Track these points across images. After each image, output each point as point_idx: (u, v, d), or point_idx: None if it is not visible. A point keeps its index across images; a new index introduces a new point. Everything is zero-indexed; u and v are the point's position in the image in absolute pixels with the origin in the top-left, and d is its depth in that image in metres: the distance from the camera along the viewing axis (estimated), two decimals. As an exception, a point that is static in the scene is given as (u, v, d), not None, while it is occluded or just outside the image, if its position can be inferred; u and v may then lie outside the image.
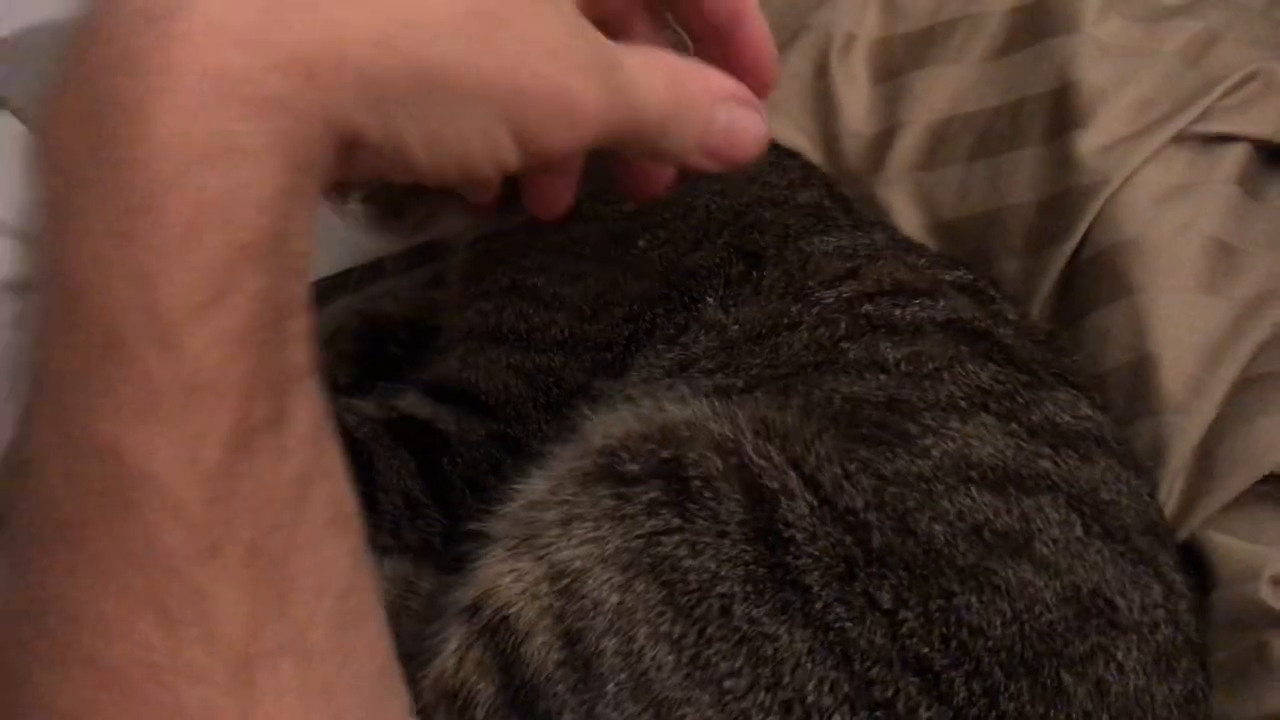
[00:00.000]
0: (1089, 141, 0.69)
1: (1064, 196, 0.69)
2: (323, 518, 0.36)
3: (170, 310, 0.32)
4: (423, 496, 0.64)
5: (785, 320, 0.62)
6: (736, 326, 0.63)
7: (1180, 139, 0.70)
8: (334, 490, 0.37)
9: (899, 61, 0.80)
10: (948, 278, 0.65)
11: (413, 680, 0.53)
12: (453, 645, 0.52)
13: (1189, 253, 0.66)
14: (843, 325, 0.61)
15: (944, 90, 0.78)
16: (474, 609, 0.52)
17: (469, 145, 0.36)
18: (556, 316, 0.67)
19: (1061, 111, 0.71)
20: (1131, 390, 0.64)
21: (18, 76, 1.01)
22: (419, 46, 0.34)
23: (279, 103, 0.33)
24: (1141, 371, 0.64)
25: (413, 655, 0.57)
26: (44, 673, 0.33)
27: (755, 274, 0.65)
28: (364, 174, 0.37)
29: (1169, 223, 0.66)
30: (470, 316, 0.69)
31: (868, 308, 0.61)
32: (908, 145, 0.77)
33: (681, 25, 0.50)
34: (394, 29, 0.34)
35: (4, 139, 0.95)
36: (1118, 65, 0.72)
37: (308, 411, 0.35)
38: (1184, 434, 0.62)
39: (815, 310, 0.62)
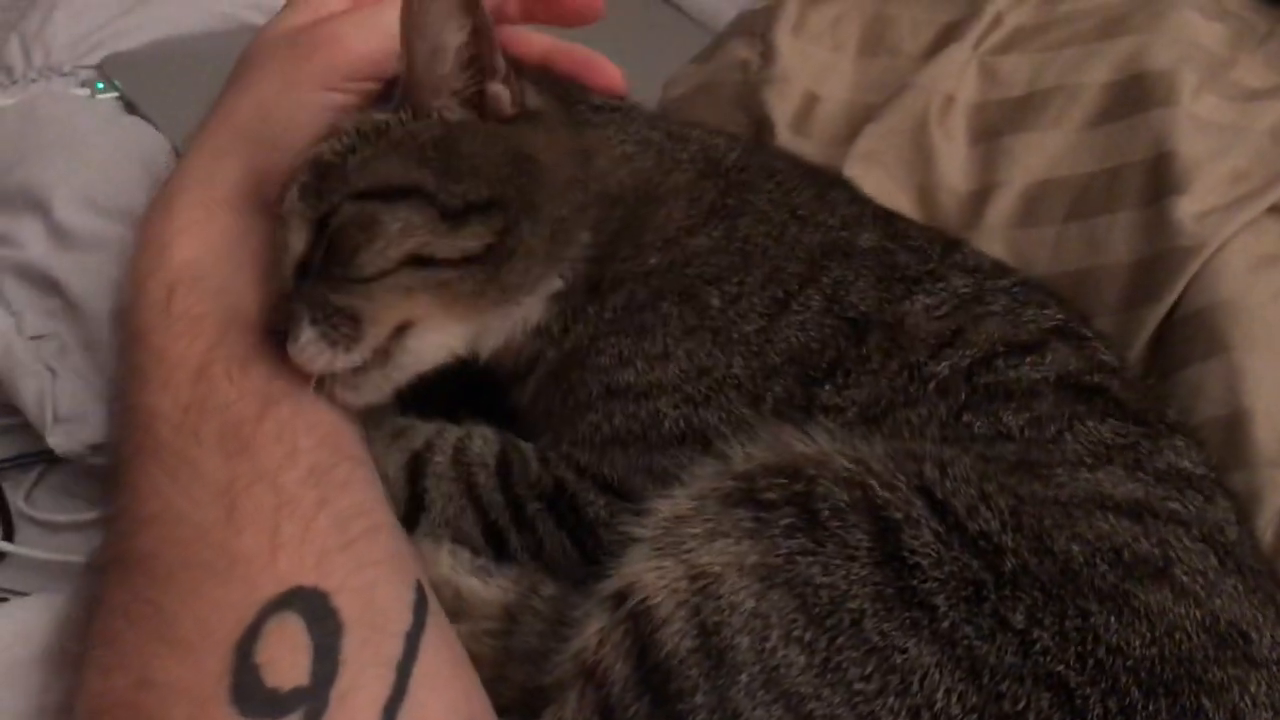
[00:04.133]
0: (1187, 207, 0.73)
1: (1161, 258, 0.73)
2: (293, 420, 0.57)
3: (139, 324, 0.60)
4: (575, 565, 0.64)
5: (901, 399, 0.62)
6: (855, 408, 0.62)
7: (1271, 211, 0.73)
8: (303, 413, 0.58)
9: (997, 125, 0.84)
10: (1046, 325, 0.66)
11: (547, 659, 0.57)
12: (594, 627, 0.54)
13: (1282, 317, 0.69)
14: (963, 397, 0.62)
15: (1041, 154, 0.81)
16: (618, 597, 0.54)
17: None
18: (661, 404, 0.63)
19: (1159, 178, 0.75)
20: (1225, 443, 0.67)
21: (149, 84, 1.06)
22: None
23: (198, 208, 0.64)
24: (1235, 425, 0.67)
25: (537, 648, 0.60)
26: (108, 531, 0.59)
27: (860, 347, 0.64)
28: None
29: (1263, 288, 0.70)
30: (584, 431, 0.65)
31: (985, 379, 0.62)
32: (1004, 204, 0.81)
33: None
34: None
35: (135, 139, 1.00)
36: (1213, 139, 0.76)
37: (269, 369, 0.59)
38: (1277, 486, 0.64)
39: (931, 385, 0.62)
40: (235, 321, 0.60)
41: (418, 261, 0.61)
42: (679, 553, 0.54)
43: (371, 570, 0.55)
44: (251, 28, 1.20)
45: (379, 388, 0.63)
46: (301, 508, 0.54)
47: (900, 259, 0.68)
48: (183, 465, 0.55)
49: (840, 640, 0.51)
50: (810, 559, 0.53)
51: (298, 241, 0.62)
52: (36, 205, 0.93)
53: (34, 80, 1.09)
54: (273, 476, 0.55)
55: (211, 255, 0.62)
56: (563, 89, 0.71)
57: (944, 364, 0.63)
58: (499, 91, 0.64)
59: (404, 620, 0.54)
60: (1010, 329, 0.65)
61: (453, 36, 0.62)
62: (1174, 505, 0.57)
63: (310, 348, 0.60)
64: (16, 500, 0.85)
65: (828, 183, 0.73)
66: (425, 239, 0.61)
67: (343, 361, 0.61)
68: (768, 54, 0.92)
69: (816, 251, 0.67)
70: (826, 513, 0.54)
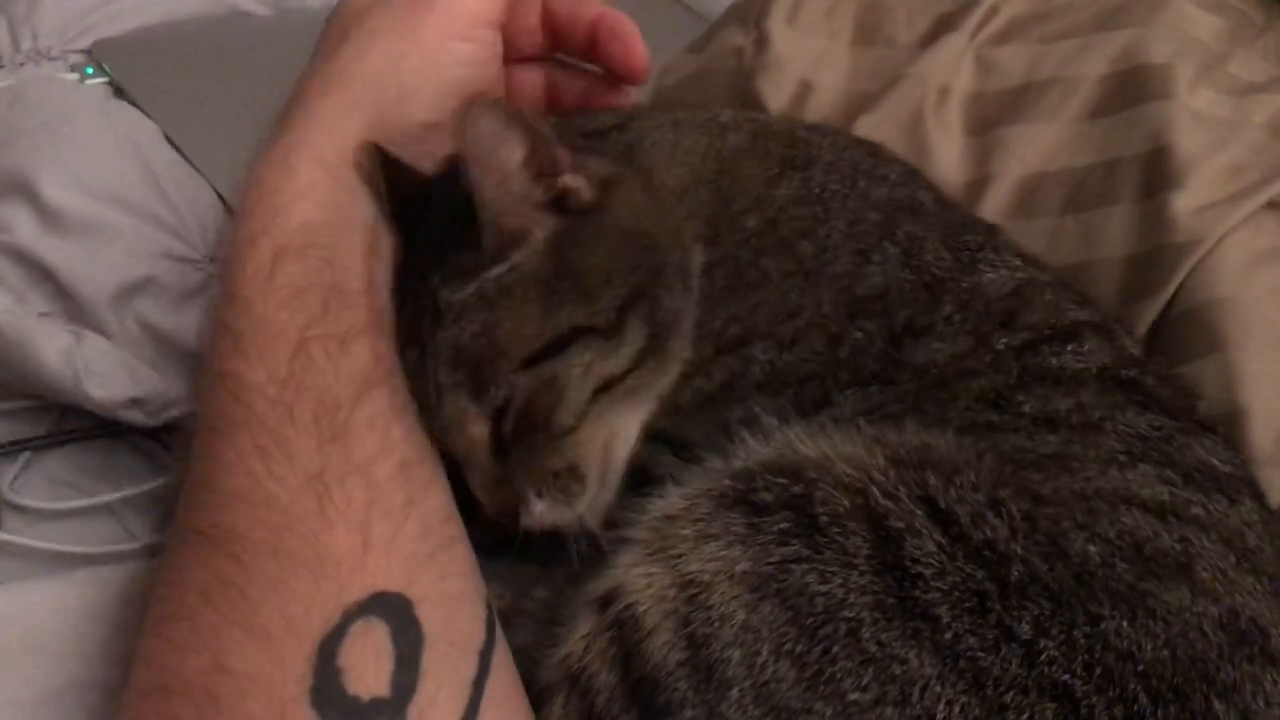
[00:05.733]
0: (1183, 202, 0.72)
1: (1157, 253, 0.72)
2: (387, 407, 0.56)
3: (242, 288, 0.57)
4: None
5: (966, 366, 0.61)
6: (933, 370, 0.61)
7: (1269, 206, 0.73)
8: (396, 399, 0.57)
9: (992, 116, 0.83)
10: (1081, 317, 0.65)
11: (538, 660, 0.56)
12: (581, 631, 0.54)
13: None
14: (1014, 375, 0.61)
15: (1036, 146, 0.81)
16: (604, 601, 0.54)
17: None
18: (754, 350, 0.62)
19: (1155, 173, 0.74)
20: (1221, 442, 0.66)
21: (138, 70, 1.05)
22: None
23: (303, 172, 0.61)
24: (1232, 424, 0.66)
25: (530, 645, 0.59)
26: (188, 498, 0.55)
27: (934, 311, 0.63)
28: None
29: (1261, 285, 0.69)
30: (683, 394, 0.63)
31: (1034, 359, 0.62)
32: (999, 196, 0.80)
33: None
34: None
35: (124, 124, 0.99)
36: (1210, 133, 0.75)
37: (369, 349, 0.57)
38: (1273, 486, 0.64)
39: (989, 359, 0.62)
40: (337, 296, 0.58)
41: (604, 386, 0.60)
42: (667, 557, 0.53)
43: (452, 583, 0.53)
44: (242, 14, 1.20)
45: (603, 499, 0.62)
46: (392, 507, 0.53)
47: (956, 223, 0.68)
48: (275, 444, 0.53)
49: (835, 650, 0.50)
50: (805, 566, 0.52)
51: (482, 433, 0.60)
52: (24, 190, 0.92)
53: (22, 64, 1.08)
54: (366, 469, 0.53)
55: (325, 222, 0.60)
56: (574, 128, 0.68)
57: (1003, 340, 0.62)
58: (575, 184, 0.60)
59: (479, 638, 0.53)
60: (1056, 316, 0.64)
61: (513, 154, 0.58)
62: (1197, 510, 0.57)
63: (548, 516, 0.60)
64: (1, 488, 0.84)
65: (872, 143, 0.73)
66: (604, 367, 0.59)
67: (580, 507, 0.60)
68: (761, 42, 0.91)
69: (886, 205, 0.66)
70: (825, 518, 0.53)
